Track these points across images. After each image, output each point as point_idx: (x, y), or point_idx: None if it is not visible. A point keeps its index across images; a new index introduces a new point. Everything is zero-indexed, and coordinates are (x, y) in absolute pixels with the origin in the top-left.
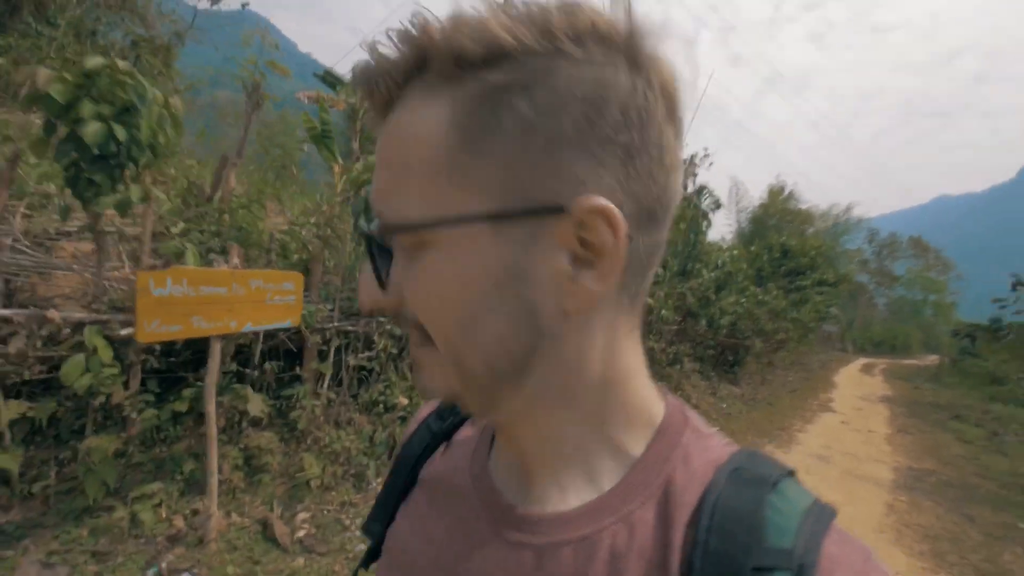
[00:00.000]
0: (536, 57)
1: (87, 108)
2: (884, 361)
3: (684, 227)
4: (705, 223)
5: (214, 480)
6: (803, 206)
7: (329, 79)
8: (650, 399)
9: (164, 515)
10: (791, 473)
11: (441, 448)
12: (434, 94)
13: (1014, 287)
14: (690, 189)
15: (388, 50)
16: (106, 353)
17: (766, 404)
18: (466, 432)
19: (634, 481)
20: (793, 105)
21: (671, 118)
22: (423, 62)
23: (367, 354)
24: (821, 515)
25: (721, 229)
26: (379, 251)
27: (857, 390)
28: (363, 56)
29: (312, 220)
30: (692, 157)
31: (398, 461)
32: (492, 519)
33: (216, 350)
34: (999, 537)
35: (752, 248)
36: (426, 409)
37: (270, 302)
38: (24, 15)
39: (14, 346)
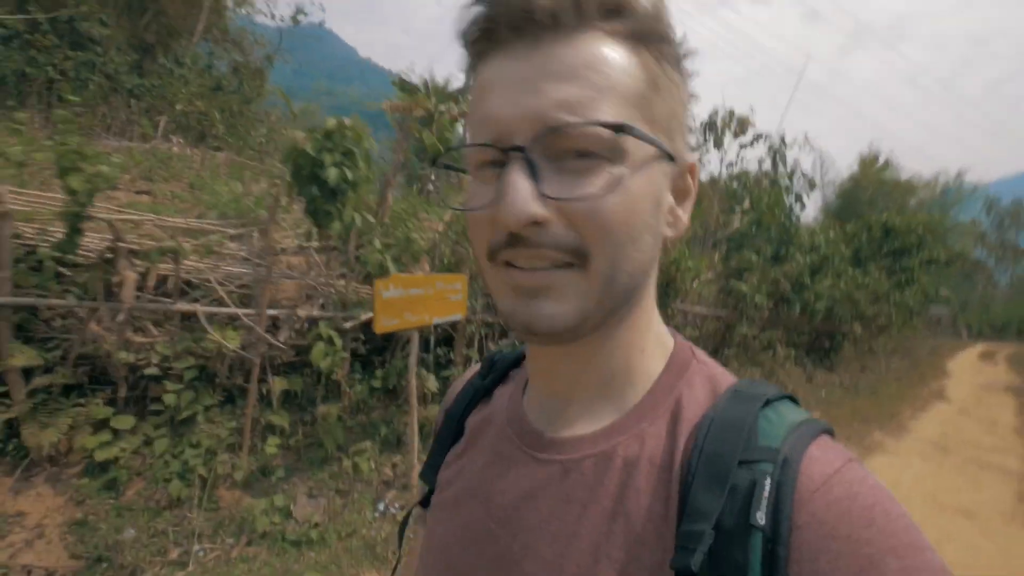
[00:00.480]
0: (677, 47)
1: (329, 158)
2: (1009, 347)
3: (778, 212)
4: (799, 205)
5: (415, 439)
6: (903, 176)
7: (404, 86)
8: (664, 331)
9: (374, 466)
10: (790, 397)
11: (483, 402)
12: (624, 40)
13: None
14: (780, 170)
15: None
16: (338, 341)
17: (869, 392)
18: (503, 387)
19: (647, 404)
20: (885, 61)
21: None
22: (619, 13)
23: (504, 341)
24: (813, 427)
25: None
26: (533, 167)
27: (976, 378)
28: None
29: (454, 228)
30: (782, 138)
31: (446, 416)
32: (525, 445)
33: (415, 338)
34: None
35: (848, 228)
36: (469, 372)
37: (448, 300)
38: (157, 57)
39: (282, 335)
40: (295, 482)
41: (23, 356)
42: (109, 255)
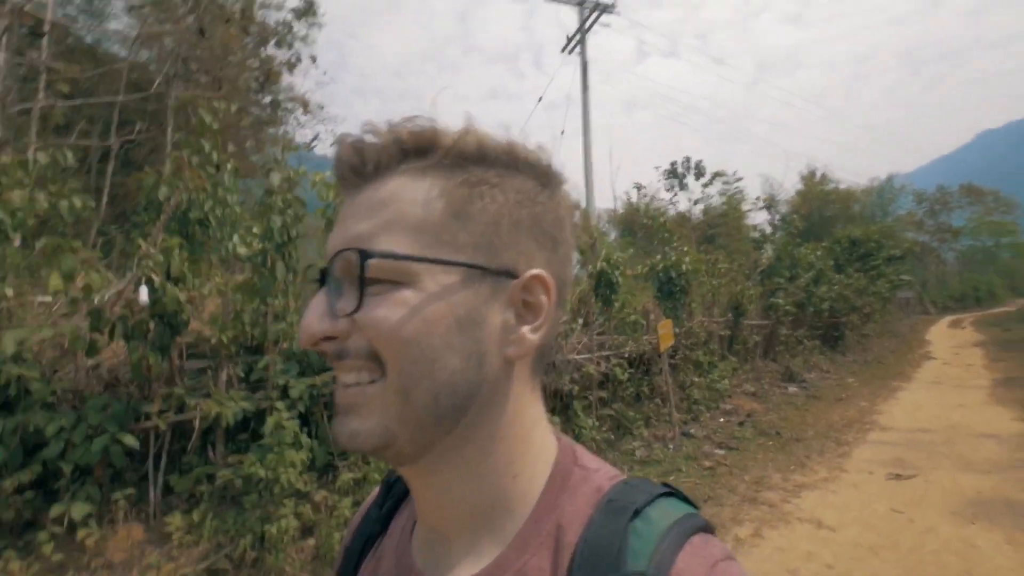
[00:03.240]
0: (504, 168)
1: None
2: (971, 315)
3: (789, 247)
4: (797, 240)
5: (675, 416)
6: (841, 185)
7: None
8: (549, 445)
9: (646, 434)
10: (665, 494)
11: (380, 537)
12: (428, 174)
13: None
14: (776, 218)
15: (386, 136)
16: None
17: (877, 363)
18: (399, 519)
19: (529, 532)
20: (788, 88)
21: (573, 231)
22: (425, 151)
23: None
24: (682, 531)
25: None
26: (334, 285)
27: (950, 342)
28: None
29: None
30: (771, 196)
31: (343, 559)
32: None
33: (665, 358)
34: None
35: (824, 245)
36: (371, 497)
37: (669, 333)
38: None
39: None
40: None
41: None
42: None
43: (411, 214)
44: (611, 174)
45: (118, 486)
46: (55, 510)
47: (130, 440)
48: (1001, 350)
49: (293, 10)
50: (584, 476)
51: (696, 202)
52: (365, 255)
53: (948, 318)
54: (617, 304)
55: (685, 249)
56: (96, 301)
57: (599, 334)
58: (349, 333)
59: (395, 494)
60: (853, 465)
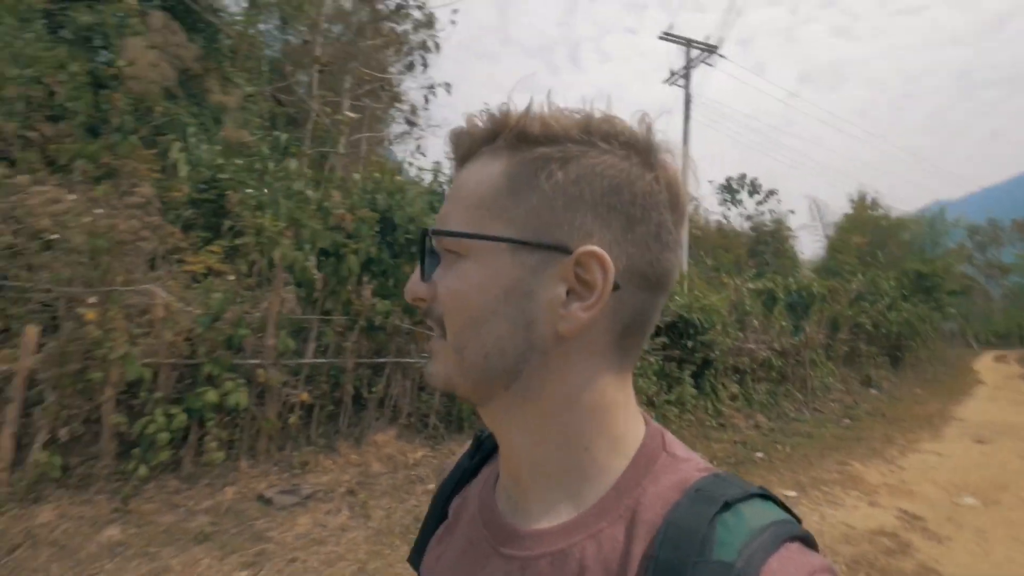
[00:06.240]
0: (575, 144)
1: None
2: (1015, 352)
3: (875, 279)
4: (879, 273)
5: None
6: (892, 213)
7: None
8: (633, 428)
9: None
10: (760, 496)
11: (469, 483)
12: (499, 155)
13: None
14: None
15: (477, 122)
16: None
17: (935, 382)
18: (489, 467)
19: (607, 502)
20: (831, 102)
21: (673, 207)
22: (498, 134)
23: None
24: (778, 533)
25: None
26: (429, 256)
27: (996, 374)
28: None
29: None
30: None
31: (435, 498)
32: (492, 536)
33: (806, 353)
34: None
35: (892, 275)
36: (463, 451)
37: None
38: None
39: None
40: None
41: None
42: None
43: (474, 192)
44: None
45: None
46: None
47: None
48: None
49: (415, 21)
50: (672, 463)
51: (749, 218)
52: (425, 232)
53: (991, 353)
54: (775, 312)
55: (812, 274)
56: None
57: (763, 332)
58: (432, 297)
59: (485, 448)
60: (946, 435)
